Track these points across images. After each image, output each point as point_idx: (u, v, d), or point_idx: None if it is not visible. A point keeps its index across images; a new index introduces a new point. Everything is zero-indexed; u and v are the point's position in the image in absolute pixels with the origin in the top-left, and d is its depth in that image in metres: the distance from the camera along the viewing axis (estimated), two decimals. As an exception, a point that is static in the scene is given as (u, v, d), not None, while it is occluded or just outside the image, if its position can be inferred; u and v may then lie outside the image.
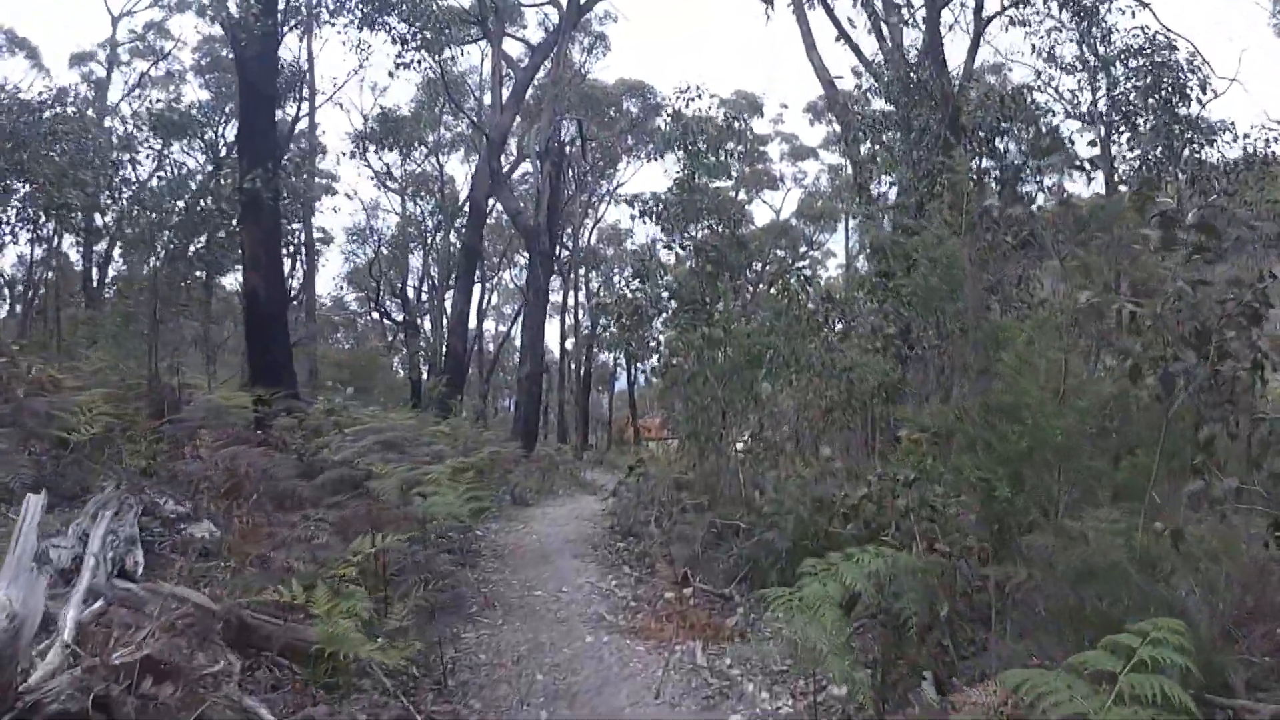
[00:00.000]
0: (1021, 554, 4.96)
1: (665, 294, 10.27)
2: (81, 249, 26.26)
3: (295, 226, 23.49)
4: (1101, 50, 15.93)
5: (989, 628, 5.14)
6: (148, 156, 14.49)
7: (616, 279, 43.13)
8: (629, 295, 10.09)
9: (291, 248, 27.80)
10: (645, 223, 11.98)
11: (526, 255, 22.62)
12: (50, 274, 26.74)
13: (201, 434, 8.48)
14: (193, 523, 7.66)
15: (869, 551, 4.50)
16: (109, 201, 11.88)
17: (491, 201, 29.93)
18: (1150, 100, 13.82)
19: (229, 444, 8.21)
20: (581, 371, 37.78)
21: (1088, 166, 12.23)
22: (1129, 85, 14.35)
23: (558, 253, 35.38)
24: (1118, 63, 15.57)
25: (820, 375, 8.20)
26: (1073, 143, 15.12)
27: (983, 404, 5.03)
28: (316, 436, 9.11)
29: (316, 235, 44.99)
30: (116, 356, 12.85)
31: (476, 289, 37.10)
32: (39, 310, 23.88)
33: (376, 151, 31.24)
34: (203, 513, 7.43)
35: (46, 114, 13.44)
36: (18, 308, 30.53)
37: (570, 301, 39.40)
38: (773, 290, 9.81)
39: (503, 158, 26.34)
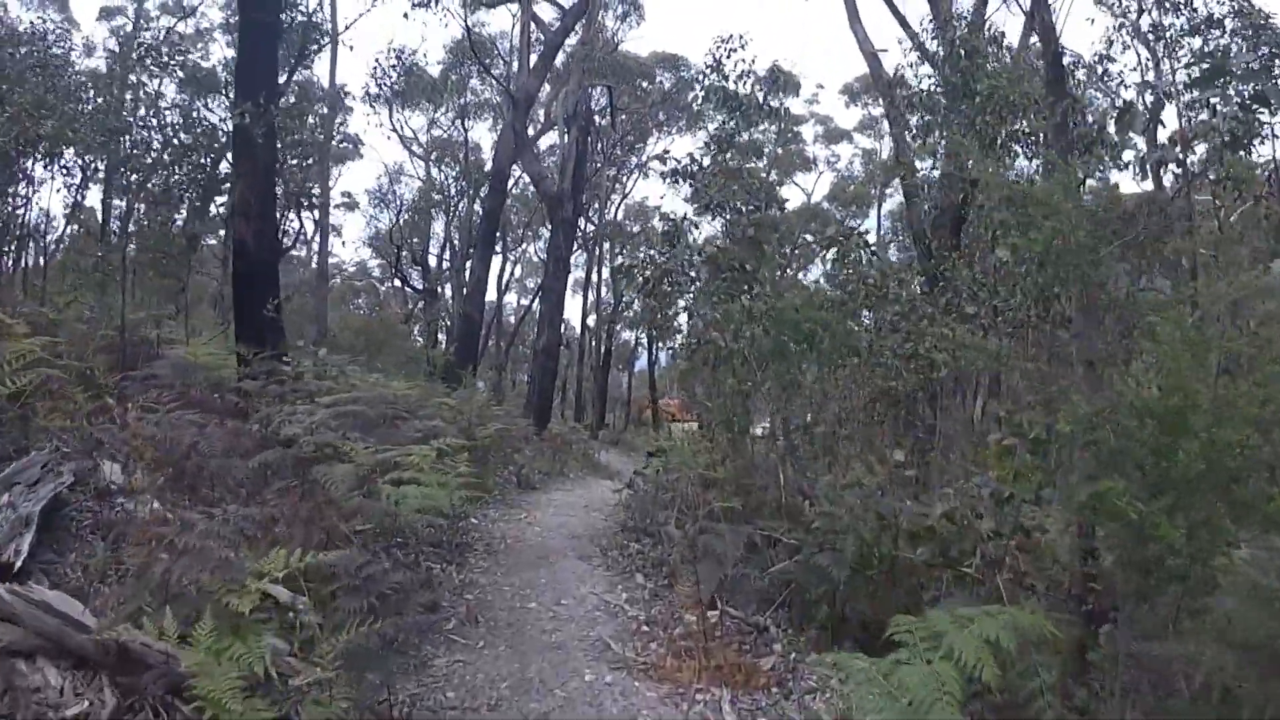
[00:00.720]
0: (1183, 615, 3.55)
1: (698, 257, 8.79)
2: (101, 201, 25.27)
3: (311, 185, 22.13)
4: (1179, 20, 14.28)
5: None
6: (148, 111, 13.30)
7: (643, 249, 41.84)
8: (656, 258, 8.60)
9: (308, 204, 26.66)
10: (677, 185, 10.58)
11: (549, 224, 21.14)
12: (75, 226, 25.91)
13: (153, 394, 7.15)
14: (135, 497, 6.41)
15: (987, 613, 3.09)
16: (73, 133, 10.52)
17: (515, 168, 28.63)
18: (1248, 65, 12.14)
19: (181, 407, 6.88)
20: (602, 349, 36.30)
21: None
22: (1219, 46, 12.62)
23: (583, 225, 33.96)
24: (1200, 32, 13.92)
25: (891, 358, 6.79)
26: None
27: (1134, 405, 3.58)
28: (283, 403, 7.75)
29: (342, 200, 44.03)
30: (103, 307, 11.67)
31: (498, 260, 35.83)
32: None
33: (400, 109, 29.88)
34: (151, 487, 6.14)
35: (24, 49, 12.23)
36: (42, 260, 29.70)
37: (594, 277, 38.00)
38: (828, 256, 8.33)
39: (530, 126, 24.96)
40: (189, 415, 6.66)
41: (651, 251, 8.91)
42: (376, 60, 26.43)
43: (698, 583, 5.42)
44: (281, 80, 12.57)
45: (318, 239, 25.10)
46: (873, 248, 8.37)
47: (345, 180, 43.41)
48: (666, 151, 10.53)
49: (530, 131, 24.67)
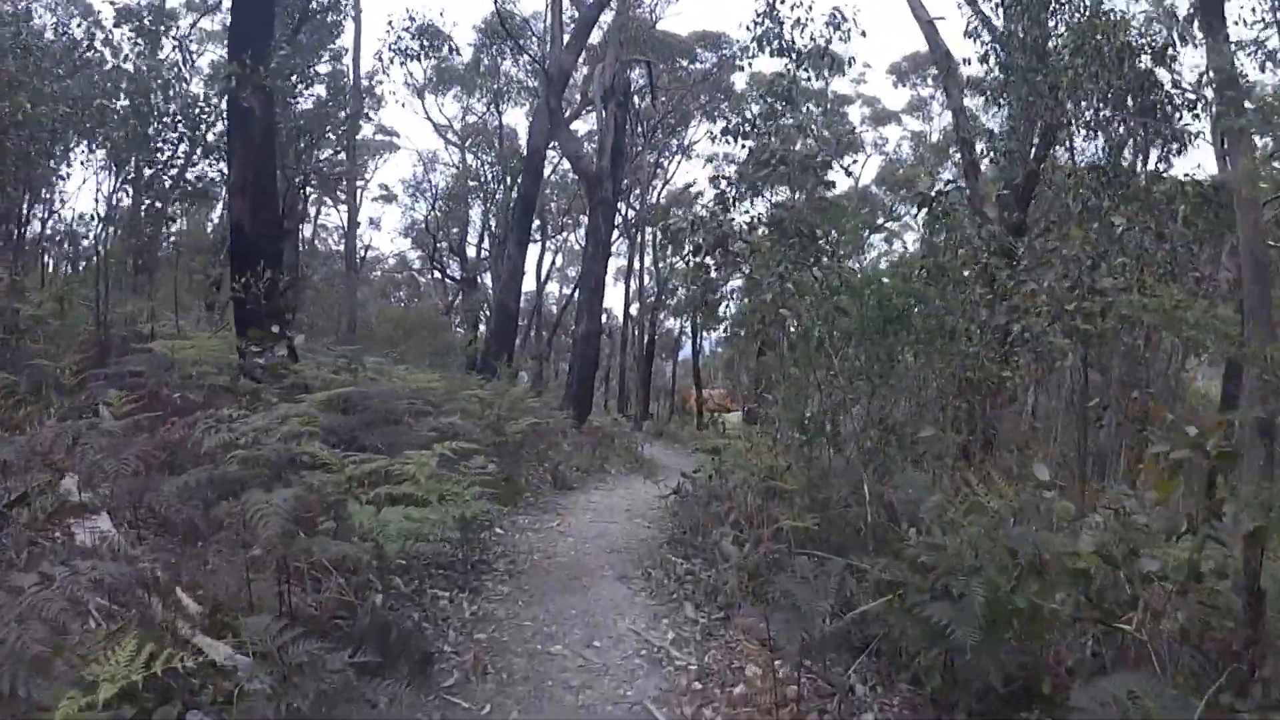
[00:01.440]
0: None
1: (760, 219, 7.36)
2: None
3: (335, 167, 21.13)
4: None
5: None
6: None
7: (695, 208, 40.38)
8: (708, 217, 7.19)
9: (339, 192, 25.69)
10: (732, 143, 9.26)
11: (587, 204, 19.85)
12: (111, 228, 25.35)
13: (111, 394, 6.03)
14: (95, 515, 5.30)
15: None
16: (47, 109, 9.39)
17: (552, 151, 27.39)
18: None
19: (141, 409, 5.74)
20: (645, 337, 34.99)
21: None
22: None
23: (623, 211, 32.64)
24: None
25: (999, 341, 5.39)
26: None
27: None
28: (258, 402, 6.55)
29: (379, 193, 43.28)
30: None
31: (536, 248, 34.67)
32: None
33: (433, 93, 28.80)
34: (113, 501, 5.00)
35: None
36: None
37: (636, 265, 36.64)
38: (918, 216, 6.86)
39: (566, 108, 23.70)
40: (140, 418, 5.52)
41: (704, 211, 7.51)
42: (389, 21, 25.15)
43: (767, 636, 4.11)
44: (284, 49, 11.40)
45: (345, 223, 24.11)
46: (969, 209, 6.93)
47: (383, 173, 42.66)
48: (727, 123, 9.12)
49: (566, 113, 23.39)
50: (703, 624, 5.55)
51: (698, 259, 7.21)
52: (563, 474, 11.50)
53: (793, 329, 6.16)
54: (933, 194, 6.69)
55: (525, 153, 23.17)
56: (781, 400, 6.09)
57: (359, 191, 44.08)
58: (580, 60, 24.58)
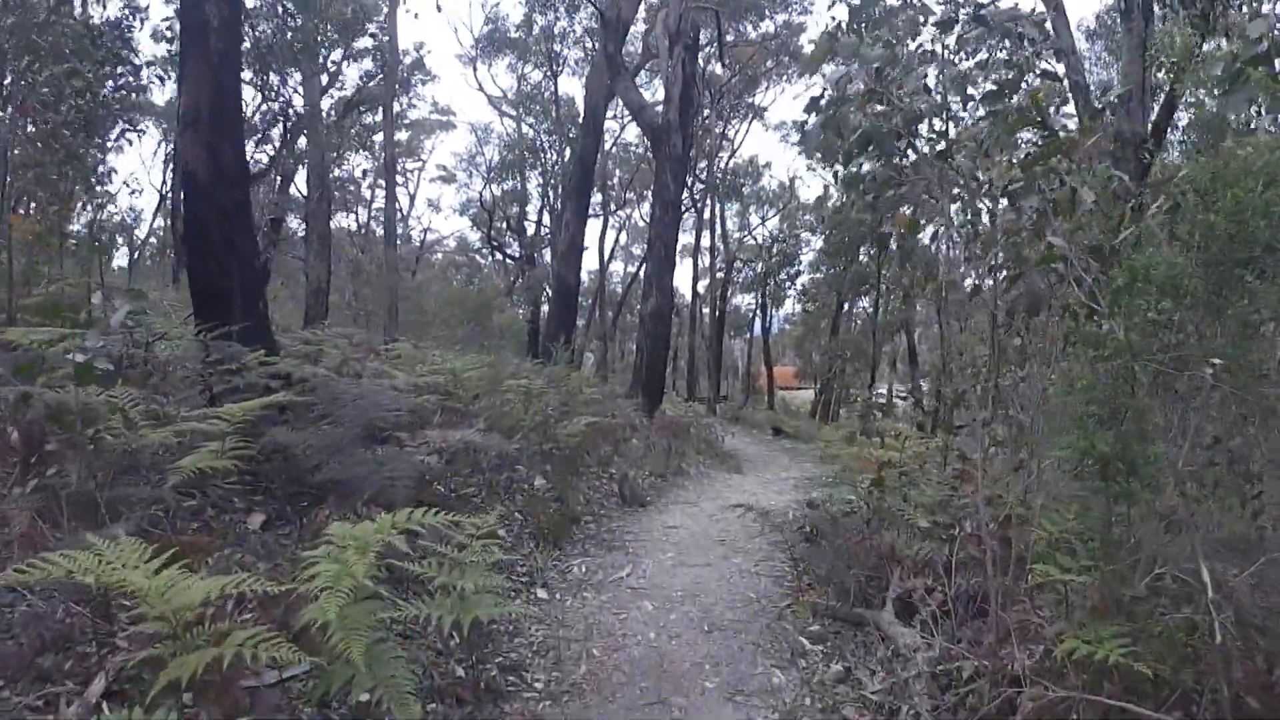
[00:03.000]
0: None
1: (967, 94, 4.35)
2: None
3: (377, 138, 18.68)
4: None
5: None
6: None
7: (754, 215, 37.28)
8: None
9: (373, 160, 23.32)
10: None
11: (653, 161, 16.99)
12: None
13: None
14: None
15: None
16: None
17: (611, 119, 24.65)
18: None
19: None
20: (715, 312, 32.08)
21: None
22: None
23: (688, 183, 29.75)
24: None
25: None
26: None
27: None
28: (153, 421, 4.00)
29: (438, 173, 41.07)
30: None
31: (597, 223, 31.99)
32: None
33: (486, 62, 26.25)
34: None
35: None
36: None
37: (704, 240, 33.64)
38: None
39: (628, 60, 20.90)
40: None
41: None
42: None
43: None
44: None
45: (383, 198, 21.68)
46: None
47: (440, 155, 40.59)
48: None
49: (628, 65, 20.54)
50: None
51: (866, 159, 4.39)
52: (633, 485, 8.83)
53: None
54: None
55: (582, 110, 20.47)
56: (1055, 401, 3.27)
57: (418, 173, 42.19)
58: (639, 12, 21.78)
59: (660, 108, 16.19)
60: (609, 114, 33.96)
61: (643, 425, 12.69)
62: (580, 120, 21.03)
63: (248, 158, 10.31)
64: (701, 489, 10.23)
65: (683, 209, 18.79)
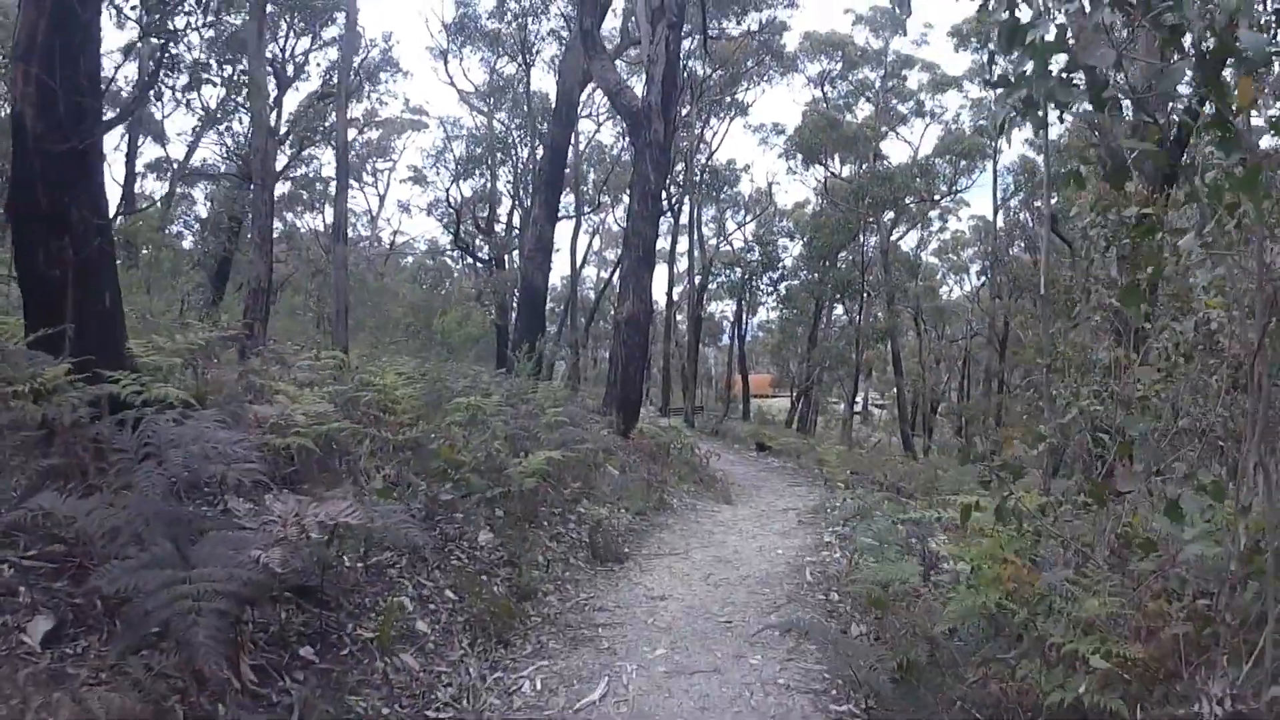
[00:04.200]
0: None
1: None
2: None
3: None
4: None
5: None
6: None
7: (731, 221, 35.56)
8: None
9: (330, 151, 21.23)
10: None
11: (632, 147, 14.99)
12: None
13: None
14: None
15: None
16: None
17: (586, 117, 22.72)
18: None
19: None
20: (690, 318, 30.16)
21: None
22: None
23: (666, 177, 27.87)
24: None
25: None
26: None
27: None
28: None
29: (408, 174, 39.02)
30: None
31: (570, 225, 30.01)
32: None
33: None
34: None
35: None
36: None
37: (681, 247, 31.68)
38: None
39: (606, 43, 18.99)
40: None
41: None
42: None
43: None
44: None
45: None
46: None
47: (411, 155, 38.68)
48: None
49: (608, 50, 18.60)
50: None
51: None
52: (607, 535, 6.87)
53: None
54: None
55: (555, 95, 18.49)
56: None
57: (388, 174, 40.05)
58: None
59: (641, 90, 14.30)
60: (584, 111, 32.06)
61: (618, 448, 10.76)
62: (553, 109, 19.04)
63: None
64: (689, 529, 8.29)
65: (663, 204, 16.89)
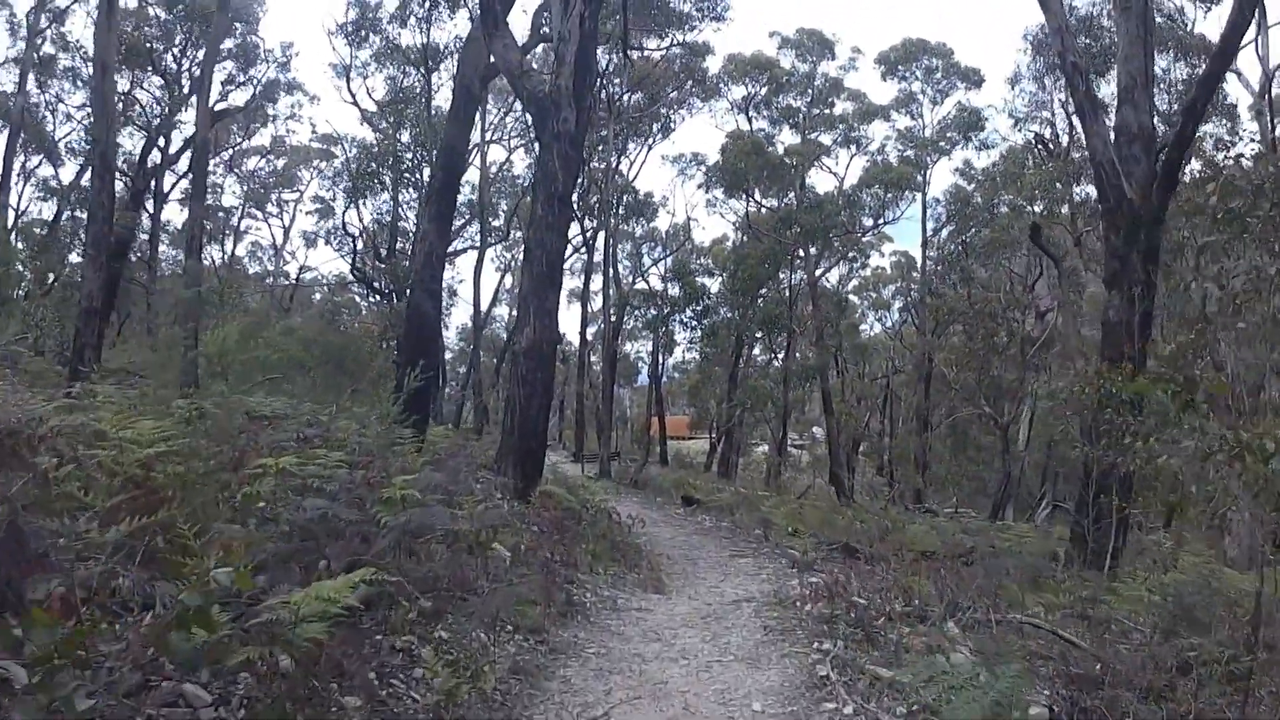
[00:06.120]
0: None
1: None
2: None
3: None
4: None
5: None
6: None
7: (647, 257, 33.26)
8: None
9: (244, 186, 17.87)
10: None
11: (536, 142, 12.01)
12: None
13: None
14: None
15: None
16: None
17: (498, 133, 19.88)
18: None
19: None
20: (606, 355, 27.28)
21: None
22: None
23: (578, 216, 25.07)
24: None
25: None
26: None
27: None
28: None
29: (314, 206, 35.60)
30: None
31: (474, 256, 26.96)
32: None
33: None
34: None
35: None
36: None
37: (593, 282, 28.79)
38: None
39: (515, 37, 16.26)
40: None
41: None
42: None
43: None
44: None
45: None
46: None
47: (319, 185, 35.46)
48: None
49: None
50: None
51: None
52: (492, 687, 3.88)
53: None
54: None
55: (453, 89, 15.54)
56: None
57: (294, 205, 36.55)
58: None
59: (549, 76, 11.55)
60: (494, 135, 29.19)
61: (513, 516, 7.78)
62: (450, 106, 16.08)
63: None
64: (609, 654, 5.34)
65: (573, 212, 14.06)
